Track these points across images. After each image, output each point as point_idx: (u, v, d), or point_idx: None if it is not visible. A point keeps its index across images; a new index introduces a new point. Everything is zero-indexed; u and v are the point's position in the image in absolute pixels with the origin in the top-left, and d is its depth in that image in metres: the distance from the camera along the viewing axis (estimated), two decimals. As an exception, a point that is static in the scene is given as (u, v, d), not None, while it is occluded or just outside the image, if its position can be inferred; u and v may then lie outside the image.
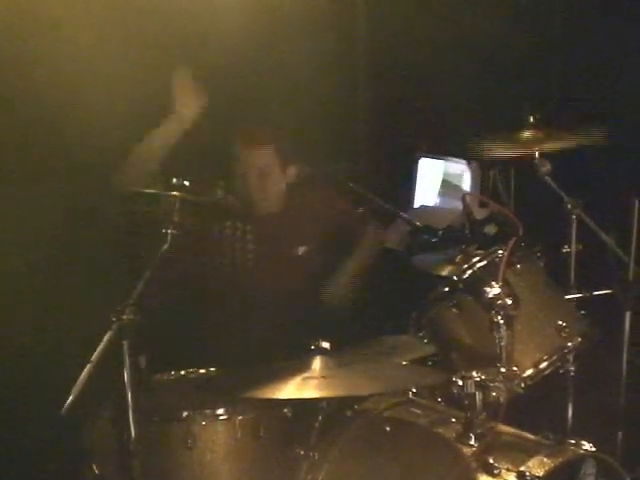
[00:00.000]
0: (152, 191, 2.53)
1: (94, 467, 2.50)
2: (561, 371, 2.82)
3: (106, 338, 2.25)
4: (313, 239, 3.28)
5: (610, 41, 3.86)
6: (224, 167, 3.15)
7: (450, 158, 4.20)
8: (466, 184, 4.13)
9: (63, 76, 3.21)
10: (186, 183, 2.51)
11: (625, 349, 3.11)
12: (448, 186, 4.19)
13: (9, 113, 3.23)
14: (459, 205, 2.85)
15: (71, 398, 2.17)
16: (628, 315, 3.09)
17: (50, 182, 3.25)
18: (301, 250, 3.24)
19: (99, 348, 2.23)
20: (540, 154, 3.01)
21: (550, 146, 3.00)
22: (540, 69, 4.13)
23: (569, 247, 3.07)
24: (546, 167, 3.00)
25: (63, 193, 3.25)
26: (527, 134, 3.08)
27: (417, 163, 4.33)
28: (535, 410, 2.81)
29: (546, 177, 3.01)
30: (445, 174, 4.23)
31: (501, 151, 3.09)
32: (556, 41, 4.08)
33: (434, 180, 4.27)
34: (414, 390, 2.61)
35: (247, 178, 3.11)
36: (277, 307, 3.17)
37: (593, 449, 2.31)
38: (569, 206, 3.04)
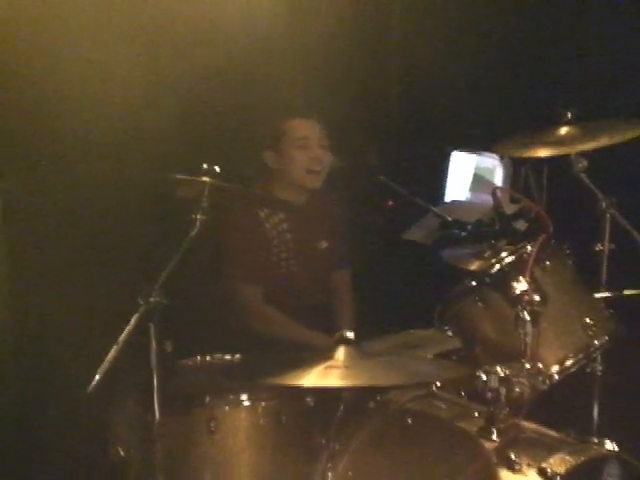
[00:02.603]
0: (182, 176, 2.54)
1: (119, 450, 2.53)
2: (587, 370, 2.80)
3: (133, 320, 2.27)
4: (332, 235, 3.31)
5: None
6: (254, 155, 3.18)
7: (482, 152, 4.17)
8: (498, 179, 4.11)
9: (68, 66, 3.25)
10: (216, 169, 2.52)
11: (654, 350, 3.07)
12: (479, 181, 4.16)
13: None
14: (489, 200, 2.84)
15: (97, 378, 2.19)
16: (658, 316, 3.04)
17: (78, 163, 3.27)
18: (323, 245, 3.27)
19: (126, 330, 2.26)
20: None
21: (587, 145, 2.91)
22: (577, 63, 4.07)
23: (602, 245, 3.02)
24: (582, 164, 2.93)
25: (92, 174, 3.27)
26: (563, 131, 3.00)
27: (449, 157, 4.31)
28: (560, 409, 2.79)
29: (581, 174, 2.96)
30: (477, 168, 4.21)
31: (536, 149, 3.02)
32: (594, 34, 4.02)
33: (465, 174, 4.24)
34: (437, 384, 2.61)
35: (309, 148, 3.14)
36: (306, 297, 3.19)
37: (616, 449, 2.29)
38: (603, 204, 2.98)
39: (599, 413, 3.01)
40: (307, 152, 3.14)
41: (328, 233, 3.30)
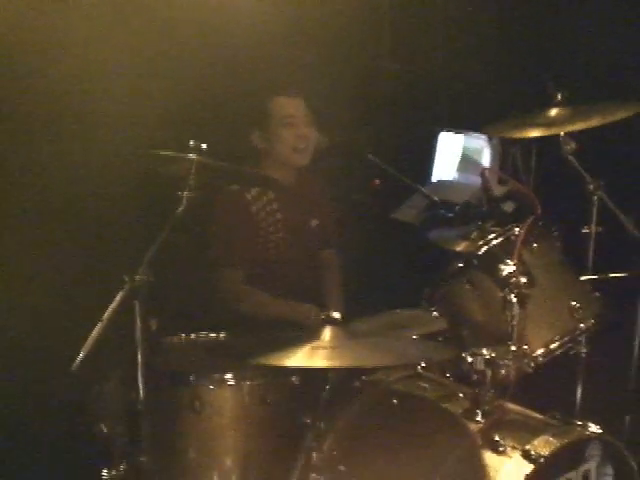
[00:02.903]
0: (169, 153, 2.51)
1: (102, 426, 2.52)
2: (572, 352, 2.80)
3: (118, 298, 2.25)
4: (321, 213, 3.31)
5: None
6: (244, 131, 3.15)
7: (470, 133, 4.15)
8: (485, 160, 4.09)
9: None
10: (204, 146, 2.50)
11: (638, 333, 3.08)
12: (467, 161, 4.15)
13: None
14: (477, 181, 2.83)
15: (81, 355, 2.18)
16: (644, 300, 3.05)
17: (65, 137, 3.23)
18: (314, 223, 3.26)
19: (111, 307, 2.24)
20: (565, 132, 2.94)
21: (577, 126, 2.90)
22: (567, 44, 4.05)
23: (589, 228, 3.02)
24: (570, 146, 2.92)
25: (78, 149, 3.24)
26: (554, 112, 2.99)
27: (437, 137, 4.29)
28: (544, 390, 2.80)
29: (570, 156, 2.95)
30: (465, 149, 4.19)
31: (526, 129, 3.00)
32: (586, 15, 3.99)
33: (453, 155, 4.23)
34: (423, 364, 2.61)
35: (295, 126, 3.12)
36: (296, 277, 3.19)
37: (600, 431, 2.30)
38: (591, 187, 2.98)
39: (582, 395, 3.03)
40: (293, 130, 3.13)
41: (318, 212, 3.30)
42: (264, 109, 3.15)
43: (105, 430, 2.53)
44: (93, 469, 2.44)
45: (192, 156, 2.48)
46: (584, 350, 2.88)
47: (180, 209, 2.43)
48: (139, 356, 2.30)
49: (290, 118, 3.13)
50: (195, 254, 3.19)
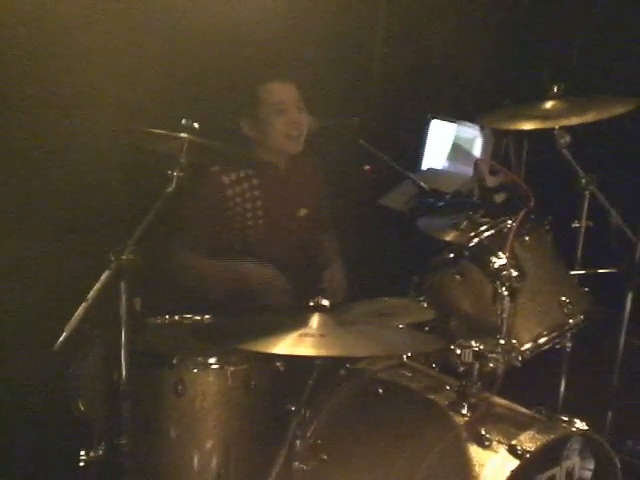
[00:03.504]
0: (160, 131, 2.47)
1: (79, 404, 2.49)
2: (558, 347, 2.79)
3: (104, 277, 2.22)
4: (313, 201, 3.26)
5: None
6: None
7: (463, 122, 4.12)
8: (477, 150, 4.06)
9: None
10: (195, 125, 2.45)
11: (624, 329, 3.08)
12: (458, 150, 4.12)
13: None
14: (468, 170, 2.81)
15: (64, 335, 2.14)
16: (630, 296, 3.05)
17: (53, 115, 3.18)
18: (302, 212, 3.21)
19: (96, 287, 2.21)
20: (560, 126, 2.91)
21: (573, 120, 2.88)
22: (565, 36, 4.03)
23: (579, 223, 3.01)
24: (565, 139, 2.90)
25: (66, 126, 3.18)
26: (549, 105, 2.97)
27: (428, 125, 4.26)
28: (529, 384, 2.79)
29: (564, 150, 2.92)
30: (456, 138, 4.16)
31: (521, 121, 2.97)
32: (584, 7, 3.97)
33: (444, 143, 4.20)
34: (409, 354, 2.59)
35: (287, 112, 3.05)
36: (281, 263, 3.15)
37: (585, 427, 2.29)
38: (583, 181, 2.96)
39: (566, 389, 3.03)
40: (285, 117, 3.05)
41: (309, 200, 3.23)
42: (254, 95, 3.06)
43: (82, 409, 2.49)
44: (71, 450, 2.41)
45: (184, 135, 2.43)
46: (569, 344, 2.88)
47: (170, 189, 2.39)
48: (123, 336, 2.27)
49: (282, 104, 3.05)
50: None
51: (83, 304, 2.18)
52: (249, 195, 3.07)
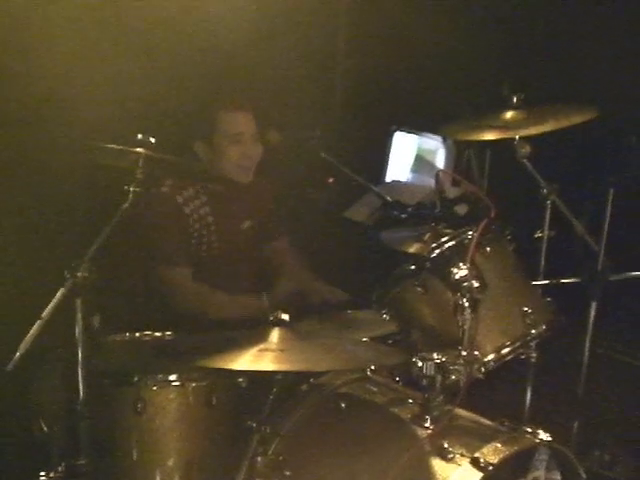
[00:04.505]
0: (116, 146, 2.44)
1: (42, 424, 2.45)
2: (522, 357, 2.79)
3: (59, 295, 2.20)
4: (256, 215, 3.27)
5: (597, 21, 3.80)
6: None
7: (425, 134, 4.14)
8: (440, 161, 4.08)
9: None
10: (152, 140, 2.43)
11: (588, 339, 3.08)
12: (421, 162, 4.13)
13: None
14: (431, 182, 2.80)
15: (18, 355, 2.11)
16: (594, 305, 3.05)
17: (8, 128, 3.14)
18: (246, 224, 3.21)
19: (51, 305, 2.19)
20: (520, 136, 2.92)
21: (533, 130, 2.89)
22: (523, 47, 4.06)
23: (541, 232, 3.01)
24: (525, 149, 2.90)
25: (21, 141, 3.15)
26: (509, 115, 2.98)
27: (391, 137, 4.27)
28: (493, 395, 2.78)
29: (524, 160, 2.93)
30: (419, 149, 4.18)
31: (482, 132, 2.98)
32: (544, 17, 4.00)
33: (408, 155, 4.21)
34: (372, 367, 2.57)
35: (243, 144, 3.05)
36: (234, 275, 3.14)
37: (549, 438, 2.28)
38: (544, 191, 2.97)
39: (531, 400, 3.02)
40: (240, 147, 3.05)
41: (253, 213, 3.24)
42: (213, 121, 3.05)
43: (45, 429, 2.46)
44: (31, 471, 2.36)
45: (139, 150, 2.41)
46: (534, 355, 2.87)
47: (125, 204, 2.36)
48: (80, 354, 2.24)
49: (239, 136, 3.05)
50: (135, 255, 3.12)
51: (38, 322, 2.15)
52: (202, 212, 3.10)
